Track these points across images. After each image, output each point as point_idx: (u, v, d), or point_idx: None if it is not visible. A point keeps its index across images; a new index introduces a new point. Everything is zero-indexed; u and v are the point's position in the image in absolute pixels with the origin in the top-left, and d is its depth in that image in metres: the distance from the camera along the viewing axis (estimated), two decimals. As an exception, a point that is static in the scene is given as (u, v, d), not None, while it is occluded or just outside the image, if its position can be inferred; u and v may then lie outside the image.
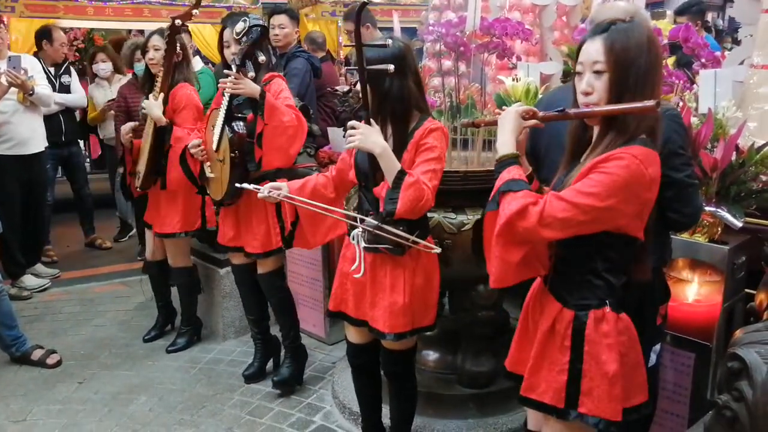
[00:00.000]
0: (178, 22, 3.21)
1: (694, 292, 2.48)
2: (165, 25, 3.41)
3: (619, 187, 1.55)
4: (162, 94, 3.38)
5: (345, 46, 4.24)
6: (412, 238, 2.16)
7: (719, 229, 2.57)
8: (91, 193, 5.67)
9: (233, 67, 2.83)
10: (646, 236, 1.69)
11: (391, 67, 2.15)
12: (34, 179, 4.74)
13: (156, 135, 3.42)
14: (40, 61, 4.96)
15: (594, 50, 1.63)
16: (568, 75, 3.68)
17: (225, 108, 2.88)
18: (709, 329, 2.38)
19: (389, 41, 2.20)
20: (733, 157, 2.47)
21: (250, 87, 2.84)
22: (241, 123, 2.93)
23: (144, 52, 3.55)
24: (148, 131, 3.45)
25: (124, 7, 6.70)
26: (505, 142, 1.73)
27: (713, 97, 2.53)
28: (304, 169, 3.28)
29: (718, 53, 2.78)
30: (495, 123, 1.82)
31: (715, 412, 1.70)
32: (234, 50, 2.96)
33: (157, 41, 3.46)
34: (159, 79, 3.38)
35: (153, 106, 3.37)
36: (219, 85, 2.90)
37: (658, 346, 2.04)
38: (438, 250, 2.24)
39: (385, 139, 2.25)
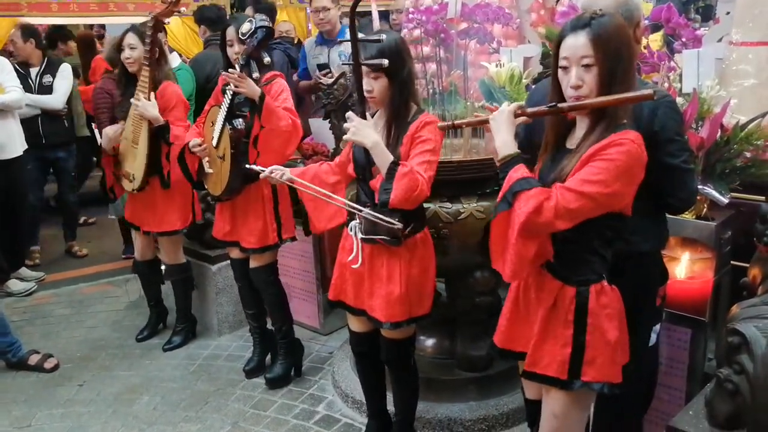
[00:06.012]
0: (167, 20, 3.19)
1: (686, 269, 2.56)
2: (132, 19, 3.34)
3: (622, 171, 1.66)
4: (152, 93, 3.33)
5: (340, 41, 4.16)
6: (387, 219, 2.21)
7: (705, 206, 2.65)
8: (77, 200, 5.54)
9: (237, 66, 2.86)
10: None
11: (386, 62, 2.18)
12: (11, 184, 4.62)
13: (153, 135, 3.38)
14: (12, 62, 4.79)
15: (580, 45, 1.70)
16: (547, 56, 3.71)
17: (227, 105, 2.90)
18: (702, 304, 2.45)
19: (383, 36, 2.23)
20: (718, 136, 2.54)
21: (251, 88, 2.85)
22: (241, 120, 2.95)
23: (119, 51, 3.47)
24: (139, 132, 3.40)
25: (89, 2, 6.49)
26: (506, 142, 1.79)
27: (696, 77, 2.58)
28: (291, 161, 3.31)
29: (699, 32, 2.83)
30: (476, 124, 1.94)
31: (716, 385, 1.77)
32: (237, 49, 2.95)
33: (132, 39, 3.39)
34: (145, 79, 3.31)
35: (149, 106, 3.30)
36: (222, 78, 2.92)
37: (658, 326, 2.12)
38: (399, 225, 2.22)
39: (387, 131, 2.29)
